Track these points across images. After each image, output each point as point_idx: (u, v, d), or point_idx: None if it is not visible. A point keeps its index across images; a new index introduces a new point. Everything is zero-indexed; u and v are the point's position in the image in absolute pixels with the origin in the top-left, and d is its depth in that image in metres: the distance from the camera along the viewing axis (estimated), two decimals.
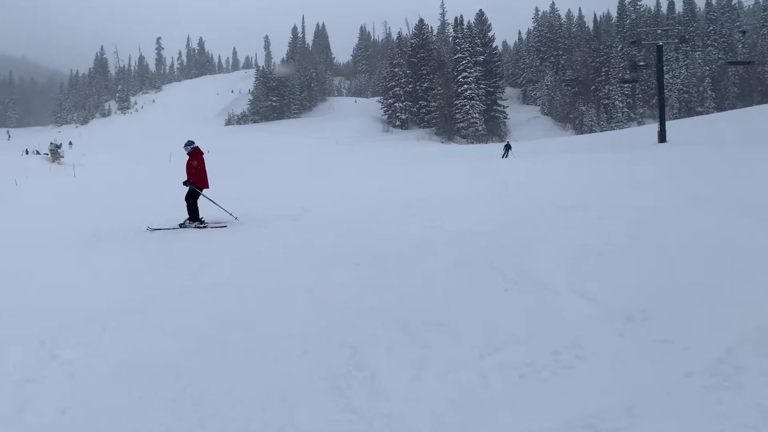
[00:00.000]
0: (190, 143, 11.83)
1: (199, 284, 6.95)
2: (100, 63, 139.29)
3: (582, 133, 73.56)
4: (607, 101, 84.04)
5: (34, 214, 15.59)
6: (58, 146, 60.92)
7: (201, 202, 11.75)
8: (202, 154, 11.99)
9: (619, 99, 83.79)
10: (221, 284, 6.84)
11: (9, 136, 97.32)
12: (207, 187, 11.82)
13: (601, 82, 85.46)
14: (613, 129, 72.79)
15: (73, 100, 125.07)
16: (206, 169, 11.84)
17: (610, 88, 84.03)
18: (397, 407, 3.61)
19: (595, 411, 3.32)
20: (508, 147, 39.99)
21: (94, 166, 48.21)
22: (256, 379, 4.17)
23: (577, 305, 5.08)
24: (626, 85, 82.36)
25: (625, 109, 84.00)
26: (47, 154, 58.60)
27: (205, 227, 11.19)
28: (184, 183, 11.71)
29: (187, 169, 11.74)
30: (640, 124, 76.18)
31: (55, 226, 12.39)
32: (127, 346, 4.96)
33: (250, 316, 5.55)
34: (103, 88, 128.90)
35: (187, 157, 11.80)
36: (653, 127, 35.18)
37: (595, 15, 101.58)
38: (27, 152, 65.80)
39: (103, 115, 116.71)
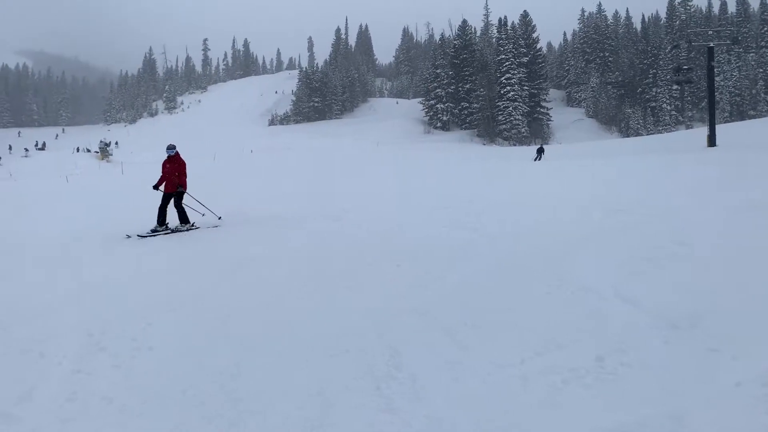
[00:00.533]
0: (172, 147, 11.38)
1: (240, 282, 7.06)
2: (149, 64, 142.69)
3: (628, 136, 72.02)
4: (654, 104, 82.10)
5: (82, 211, 16.03)
6: (108, 144, 62.78)
7: (171, 206, 11.31)
8: (181, 158, 11.45)
9: (667, 101, 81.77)
10: (263, 281, 6.93)
11: (62, 131, 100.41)
12: (170, 191, 11.25)
13: (648, 84, 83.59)
14: (660, 132, 71.03)
15: (122, 100, 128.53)
16: (187, 174, 11.41)
17: (658, 90, 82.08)
18: (437, 409, 3.59)
19: (641, 419, 3.24)
20: (540, 150, 38.23)
21: (141, 164, 49.37)
22: (295, 376, 4.20)
23: (621, 310, 4.97)
24: (674, 88, 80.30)
25: (673, 112, 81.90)
26: (97, 152, 60.38)
27: (196, 228, 11.21)
28: (176, 189, 11.24)
29: (171, 174, 11.23)
30: (688, 127, 74.14)
31: (103, 223, 12.73)
32: (171, 341, 5.06)
33: (291, 314, 5.61)
34: (151, 88, 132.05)
35: (171, 159, 11.30)
36: (702, 131, 34.16)
37: (643, 16, 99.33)
38: (78, 150, 67.91)
39: (151, 115, 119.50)
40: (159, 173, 11.44)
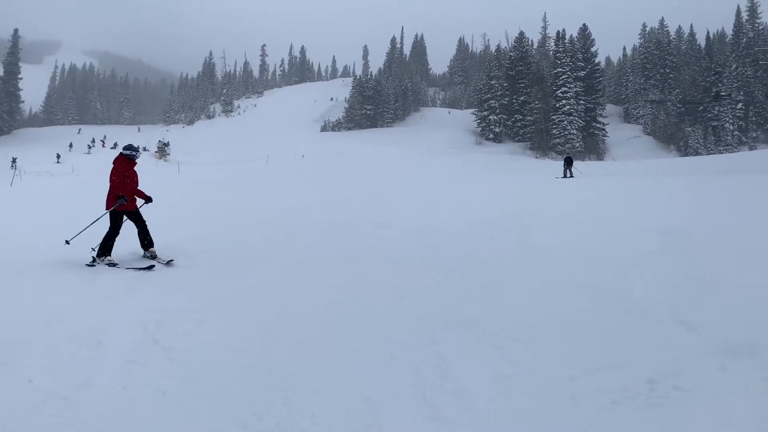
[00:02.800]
0: (134, 148, 8.79)
1: (293, 284, 7.18)
2: (208, 67, 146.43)
3: (686, 155, 69.97)
4: (716, 123, 79.58)
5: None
6: (166, 144, 64.70)
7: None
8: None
9: (730, 121, 79.15)
10: (316, 285, 7.03)
11: (139, 130, 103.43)
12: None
13: (710, 102, 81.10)
14: (721, 152, 68.73)
15: (181, 102, 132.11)
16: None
17: (721, 108, 79.55)
18: (484, 421, 3.57)
19: None
20: (569, 162, 31.22)
21: (196, 164, 50.65)
22: (343, 380, 4.25)
23: (676, 334, 4.85)
24: (738, 107, 77.71)
25: (736, 132, 79.22)
26: (156, 152, 62.31)
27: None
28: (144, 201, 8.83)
29: (122, 179, 8.51)
30: (752, 148, 71.55)
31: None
32: (224, 337, 5.19)
33: (342, 319, 5.67)
34: (209, 92, 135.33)
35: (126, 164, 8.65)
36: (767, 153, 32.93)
37: (708, 32, 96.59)
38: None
39: (208, 117, 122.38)
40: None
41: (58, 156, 59.17)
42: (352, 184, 23.00)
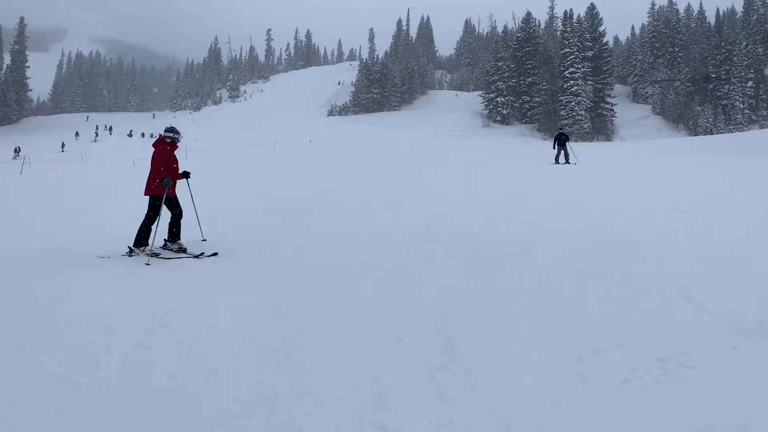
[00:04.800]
0: (175, 131, 8.49)
1: (299, 267, 7.18)
2: (214, 53, 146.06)
3: (696, 135, 69.31)
4: (726, 101, 78.74)
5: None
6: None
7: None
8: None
9: (740, 99, 78.28)
10: (322, 267, 7.03)
11: (154, 117, 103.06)
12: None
13: (720, 81, 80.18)
14: (731, 131, 68.04)
15: (187, 88, 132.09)
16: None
17: (731, 87, 78.65)
18: (492, 401, 3.56)
19: (703, 423, 3.13)
20: (562, 140, 23.58)
21: (204, 151, 50.67)
22: (350, 361, 4.25)
23: (686, 312, 4.81)
24: (748, 85, 76.81)
25: (746, 111, 78.36)
26: None
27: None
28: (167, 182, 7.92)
29: (167, 163, 8.08)
30: (762, 127, 70.79)
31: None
32: (231, 321, 5.19)
33: (348, 301, 5.66)
34: (215, 77, 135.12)
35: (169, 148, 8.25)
36: None
37: (717, 10, 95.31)
38: (143, 135, 70.45)
39: (215, 103, 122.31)
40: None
41: (63, 144, 59.13)
42: (359, 169, 22.91)
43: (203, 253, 7.87)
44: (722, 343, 4.17)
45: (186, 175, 8.46)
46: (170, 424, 3.50)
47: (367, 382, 3.89)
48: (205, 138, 67.31)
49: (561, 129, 25.23)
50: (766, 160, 18.87)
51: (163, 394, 3.90)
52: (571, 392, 3.64)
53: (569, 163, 23.08)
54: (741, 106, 78.30)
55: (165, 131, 8.37)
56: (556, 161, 23.37)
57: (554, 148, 24.03)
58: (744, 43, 79.68)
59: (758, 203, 9.80)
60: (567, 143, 23.85)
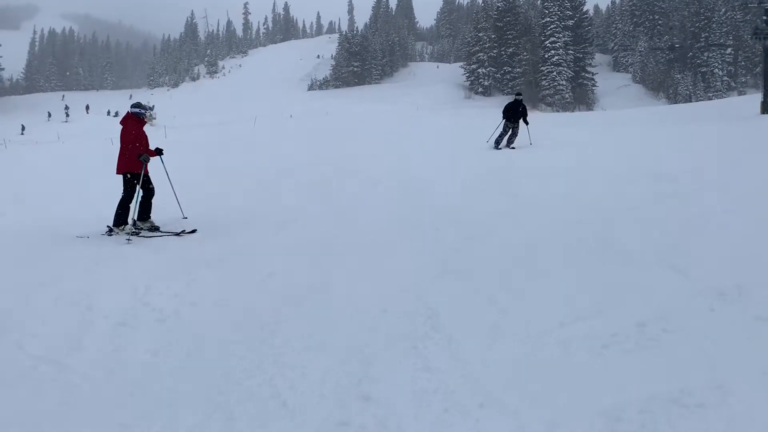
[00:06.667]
0: (142, 106, 8.28)
1: (281, 241, 7.16)
2: (190, 28, 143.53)
3: (676, 103, 69.68)
4: (705, 69, 79.14)
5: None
6: (150, 108, 63.58)
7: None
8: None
9: (719, 66, 78.71)
10: (305, 240, 7.02)
11: (131, 97, 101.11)
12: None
13: (699, 48, 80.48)
14: (711, 99, 68.52)
15: (164, 64, 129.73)
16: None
17: (710, 54, 79.01)
18: (475, 369, 3.59)
19: (682, 386, 3.18)
20: (514, 111, 16.28)
21: (183, 128, 50.04)
22: (334, 334, 4.26)
23: (664, 278, 4.87)
24: (727, 52, 77.20)
25: (725, 78, 78.89)
26: None
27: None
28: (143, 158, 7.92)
29: (136, 139, 7.92)
30: (741, 93, 71.30)
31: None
32: (213, 297, 5.18)
33: (331, 274, 5.66)
34: (192, 53, 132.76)
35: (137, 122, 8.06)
36: (756, 98, 32.81)
37: None
38: (109, 113, 69.06)
39: (193, 79, 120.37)
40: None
41: (23, 128, 55.84)
42: (341, 143, 22.77)
43: (184, 230, 7.79)
44: (701, 307, 4.23)
45: (159, 152, 8.33)
46: (154, 400, 3.50)
47: (353, 353, 3.91)
48: (183, 115, 66.36)
49: (518, 94, 17.30)
50: (740, 127, 19.05)
51: (147, 371, 3.90)
52: (552, 358, 3.68)
53: (511, 147, 16.22)
54: (720, 73, 78.79)
55: (132, 107, 8.16)
56: (497, 144, 16.40)
57: (504, 124, 16.50)
58: (723, 10, 79.88)
59: (735, 170, 9.89)
60: (523, 118, 16.38)
